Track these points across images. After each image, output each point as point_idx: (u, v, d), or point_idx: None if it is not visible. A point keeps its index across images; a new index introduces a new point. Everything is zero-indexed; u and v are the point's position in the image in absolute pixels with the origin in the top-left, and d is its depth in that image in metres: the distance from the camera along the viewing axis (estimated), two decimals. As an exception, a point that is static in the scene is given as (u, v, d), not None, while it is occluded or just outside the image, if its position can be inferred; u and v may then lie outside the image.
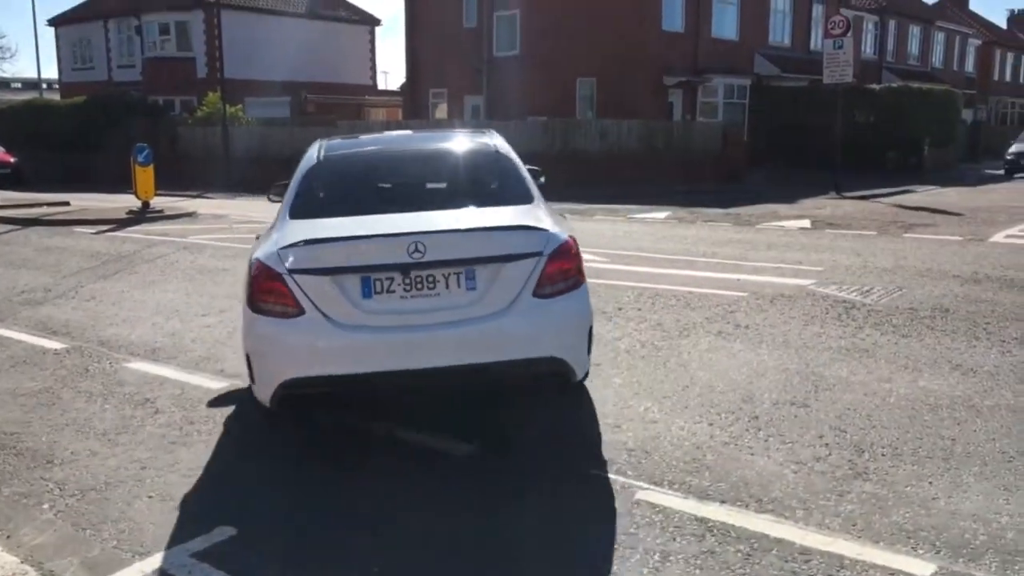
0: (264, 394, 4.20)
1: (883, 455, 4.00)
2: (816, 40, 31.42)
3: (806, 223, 13.56)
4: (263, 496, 3.84)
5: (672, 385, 5.12)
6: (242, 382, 5.35)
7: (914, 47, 43.40)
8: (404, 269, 4.08)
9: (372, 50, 41.91)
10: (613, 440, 4.27)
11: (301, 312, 4.07)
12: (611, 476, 3.86)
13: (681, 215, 15.03)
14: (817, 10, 32.90)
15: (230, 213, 16.86)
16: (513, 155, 5.27)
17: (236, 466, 4.22)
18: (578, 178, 20.69)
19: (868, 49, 39.06)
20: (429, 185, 5.24)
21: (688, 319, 6.77)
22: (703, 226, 13.38)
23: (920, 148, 27.50)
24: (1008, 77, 58.95)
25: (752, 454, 4.07)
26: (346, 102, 37.16)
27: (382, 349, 4.08)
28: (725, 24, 28.71)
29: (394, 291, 4.11)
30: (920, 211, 15.51)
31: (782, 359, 5.60)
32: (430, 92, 32.11)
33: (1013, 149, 28.04)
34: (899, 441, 4.16)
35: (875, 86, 29.89)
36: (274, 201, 5.50)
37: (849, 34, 20.13)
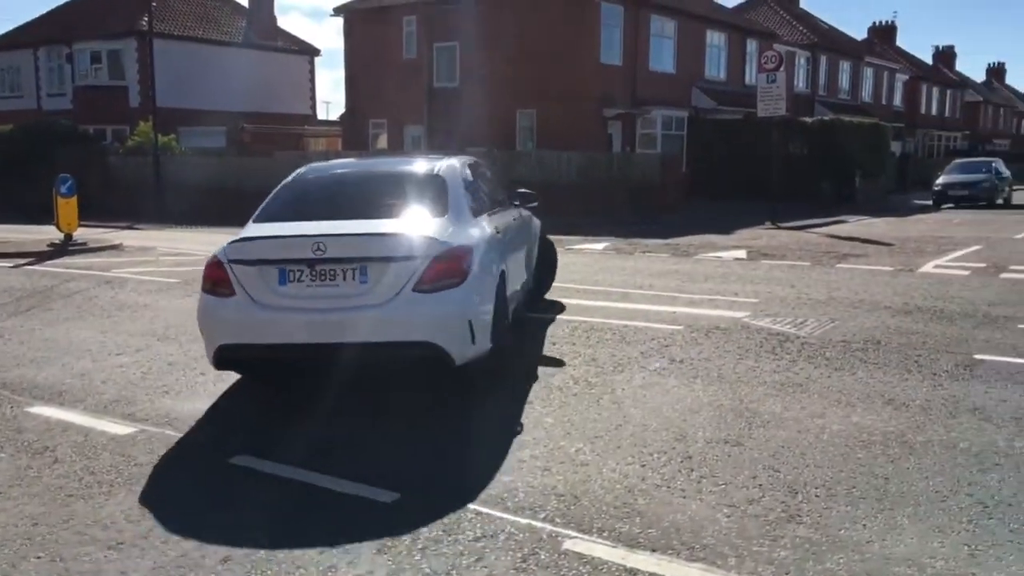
0: (209, 356, 5.41)
1: (817, 496, 3.89)
2: (750, 74, 32.14)
3: (742, 254, 13.66)
4: (163, 555, 3.56)
5: (605, 424, 4.97)
6: (153, 426, 5.05)
7: (845, 81, 44.71)
8: (310, 263, 5.18)
9: (311, 80, 41.58)
10: (543, 484, 4.09)
11: (233, 293, 5.28)
12: (538, 524, 3.67)
13: (620, 246, 15.03)
14: (751, 45, 33.69)
15: (158, 246, 16.36)
16: (452, 178, 6.27)
17: (137, 521, 3.92)
18: (518, 209, 20.65)
19: (801, 83, 40.09)
20: (368, 199, 6.12)
21: (623, 354, 6.65)
22: (641, 257, 13.37)
23: (852, 179, 28.18)
24: (934, 111, 61.14)
25: (684, 497, 3.92)
26: (285, 132, 36.69)
27: (290, 326, 5.23)
28: (662, 58, 29.18)
29: (303, 280, 5.22)
30: (852, 241, 15.78)
31: (716, 395, 5.50)
32: (370, 122, 31.92)
33: (941, 180, 28.86)
34: (833, 481, 4.06)
35: (808, 119, 30.63)
36: None
37: (782, 69, 20.56)
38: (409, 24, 29.86)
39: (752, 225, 19.29)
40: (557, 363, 6.38)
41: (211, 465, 4.46)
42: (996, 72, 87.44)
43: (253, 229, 5.64)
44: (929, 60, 68.13)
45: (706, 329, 7.51)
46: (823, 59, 41.62)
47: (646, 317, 8.16)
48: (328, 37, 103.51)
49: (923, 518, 3.64)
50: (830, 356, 6.47)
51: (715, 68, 32.12)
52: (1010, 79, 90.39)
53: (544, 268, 9.02)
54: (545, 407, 5.32)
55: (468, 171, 6.84)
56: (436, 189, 6.11)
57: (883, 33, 59.72)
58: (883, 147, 31.63)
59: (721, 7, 34.76)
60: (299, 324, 5.23)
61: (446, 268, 5.26)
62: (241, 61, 36.07)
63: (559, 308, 8.63)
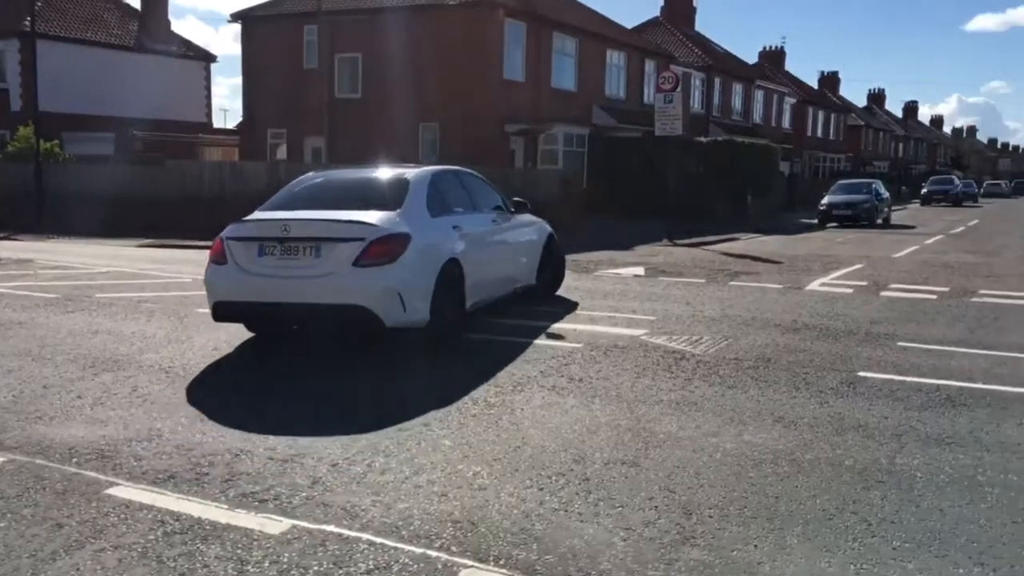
0: (210, 310, 7.32)
1: (711, 517, 3.94)
2: (649, 94, 32.99)
3: (641, 271, 13.92)
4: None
5: (503, 446, 4.92)
6: (23, 455, 4.73)
7: (738, 103, 46.39)
8: (280, 241, 6.97)
9: (207, 87, 40.45)
10: (439, 511, 4.01)
11: (226, 262, 7.14)
12: (433, 553, 3.58)
13: (521, 262, 15.07)
14: (649, 66, 34.58)
15: (37, 258, 15.52)
16: (418, 183, 7.94)
17: None
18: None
19: (696, 104, 41.36)
20: (342, 196, 7.90)
21: (523, 373, 6.64)
22: (542, 273, 13.43)
23: (744, 197, 29.19)
24: (820, 133, 64.07)
25: (582, 521, 3.91)
26: (178, 140, 35.54)
27: (263, 287, 6.96)
28: (564, 75, 29.62)
29: (274, 254, 6.99)
30: (744, 259, 16.30)
31: (615, 414, 5.53)
32: (269, 132, 31.26)
33: (825, 200, 30.18)
34: (726, 501, 4.12)
35: (703, 138, 31.59)
36: None
37: (679, 89, 21.13)
38: (311, 33, 29.39)
39: (650, 242, 19.71)
40: (458, 382, 6.31)
41: (86, 497, 4.19)
42: (876, 98, 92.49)
43: (251, 216, 7.54)
44: (815, 85, 71.47)
45: (605, 347, 7.58)
46: (717, 81, 43.06)
47: (547, 335, 8.18)
48: (225, 43, 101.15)
49: (811, 537, 3.73)
50: (724, 374, 6.62)
51: (615, 87, 32.81)
52: (889, 105, 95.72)
53: (550, 270, 10.47)
54: (443, 428, 5.24)
55: (442, 179, 8.55)
56: (399, 190, 7.78)
57: (773, 58, 62.39)
58: (773, 167, 32.96)
59: (621, 27, 35.56)
60: (270, 287, 6.97)
61: (380, 249, 6.88)
62: (132, 66, 34.82)
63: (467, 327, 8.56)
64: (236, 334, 7.99)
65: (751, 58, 58.45)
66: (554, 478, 4.42)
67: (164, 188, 23.62)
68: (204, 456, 4.74)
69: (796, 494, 4.21)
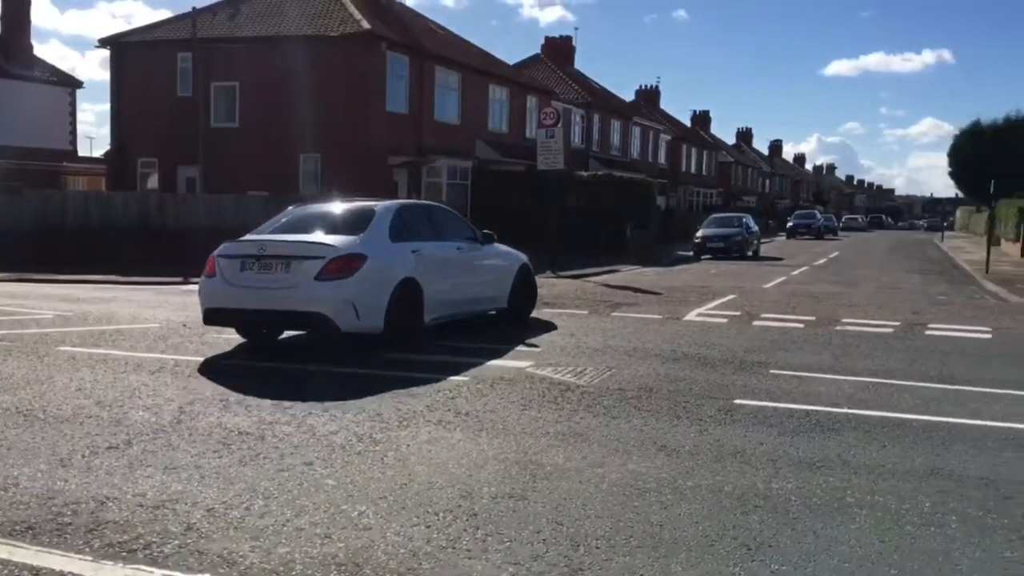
0: (203, 315, 8.86)
1: (598, 548, 3.96)
2: (531, 129, 33.58)
3: (524, 302, 14.01)
4: None
5: (389, 484, 4.82)
6: None
7: (616, 139, 47.83)
8: (257, 258, 8.45)
9: (72, 114, 38.62)
10: (322, 554, 3.87)
11: (215, 275, 8.60)
12: (317, 599, 3.45)
13: (405, 295, 14.95)
14: (531, 101, 35.24)
15: None
16: (383, 213, 9.39)
17: None
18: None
19: (577, 139, 42.38)
20: (318, 223, 9.37)
21: (409, 408, 6.55)
22: (427, 306, 13.35)
23: (624, 230, 29.99)
24: (693, 169, 66.73)
25: (470, 557, 3.85)
26: (41, 168, 33.69)
27: (244, 296, 8.41)
28: (447, 109, 29.81)
29: (253, 269, 8.45)
30: (625, 290, 16.70)
31: (502, 448, 5.52)
32: (140, 161, 30.05)
33: (700, 233, 31.37)
34: (612, 531, 4.15)
35: (584, 173, 32.38)
36: None
37: (560, 125, 21.62)
38: (184, 61, 28.56)
39: (535, 274, 19.90)
40: (342, 419, 6.16)
41: None
42: (745, 136, 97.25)
43: (241, 238, 9.17)
44: (688, 123, 74.52)
45: (491, 380, 7.57)
46: (596, 117, 44.31)
47: (433, 369, 8.11)
48: (92, 68, 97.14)
49: (695, 564, 3.79)
50: (608, 404, 6.72)
51: (498, 121, 33.25)
52: (756, 143, 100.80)
53: (521, 294, 11.63)
54: (326, 468, 5.09)
55: (409, 211, 10.14)
56: (365, 219, 9.23)
57: (648, 96, 64.76)
58: (651, 201, 34.05)
59: (503, 63, 36.16)
60: (249, 296, 8.47)
61: (337, 266, 8.33)
62: (-11, 90, 32.85)
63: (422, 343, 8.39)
64: (102, 373, 7.58)
65: (628, 96, 60.53)
66: (441, 515, 4.35)
67: (23, 218, 22.30)
68: (66, 504, 4.43)
69: (679, 521, 4.29)
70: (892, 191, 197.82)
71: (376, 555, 3.87)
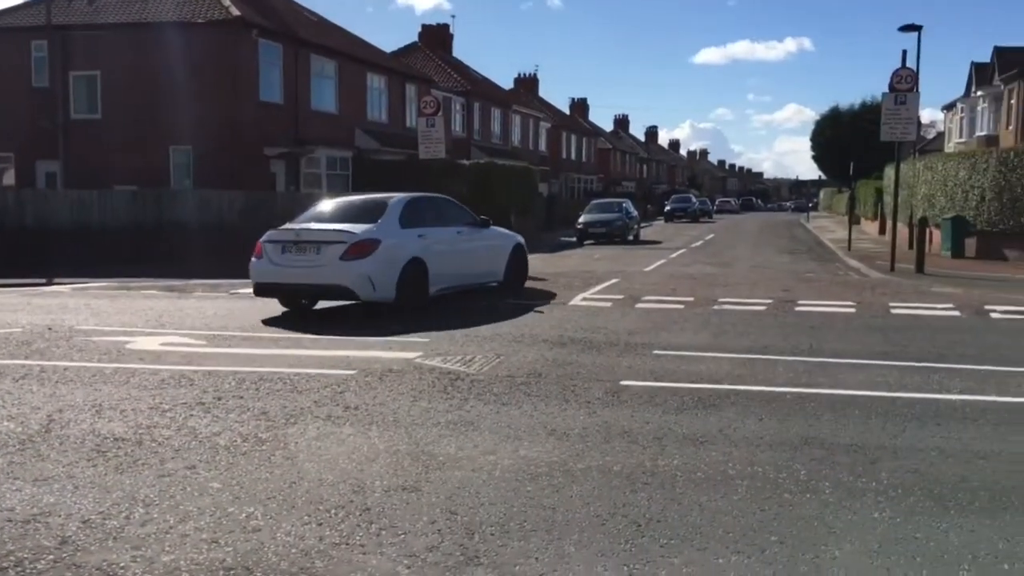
0: (253, 288, 11.14)
1: (492, 535, 3.98)
2: (411, 118, 33.30)
3: (411, 293, 13.91)
4: None
5: (278, 483, 4.70)
6: None
7: (497, 127, 48.00)
8: (295, 243, 10.67)
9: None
10: (209, 560, 3.74)
11: (263, 257, 10.83)
12: (206, 607, 3.33)
13: (288, 289, 14.59)
14: (410, 90, 34.92)
15: None
16: (394, 205, 11.55)
17: None
18: (176, 252, 19.37)
19: (458, 127, 42.30)
20: (343, 214, 11.62)
21: (296, 404, 6.40)
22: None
23: (508, 218, 30.13)
24: (573, 156, 67.74)
25: (364, 553, 3.80)
26: None
27: (284, 273, 10.61)
28: (324, 98, 29.18)
29: (291, 252, 10.65)
30: (511, 277, 16.78)
31: (393, 440, 5.47)
32: (-8, 156, 28.11)
33: (582, 219, 31.91)
34: (506, 517, 4.18)
35: (465, 161, 32.35)
36: None
37: (440, 114, 21.53)
38: (39, 49, 26.88)
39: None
40: (225, 419, 5.96)
41: None
42: (621, 123, 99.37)
43: (286, 224, 11.60)
44: (567, 110, 75.54)
45: (380, 372, 7.49)
46: (476, 106, 44.33)
47: (319, 363, 7.97)
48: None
49: (588, 544, 3.87)
50: (498, 392, 6.76)
51: (377, 110, 32.81)
52: (633, 129, 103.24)
53: (514, 269, 13.94)
54: (211, 470, 4.92)
55: (416, 202, 12.16)
56: (379, 210, 11.42)
57: (527, 84, 65.29)
58: (533, 188, 34.39)
59: (380, 51, 35.66)
60: (289, 272, 10.70)
61: (357, 249, 10.47)
62: None
63: (224, 359, 8.12)
64: (-40, 384, 7.08)
65: (507, 84, 60.84)
66: (333, 511, 4.28)
67: None
68: (-77, 527, 4.12)
69: (571, 503, 4.36)
70: (761, 174, 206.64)
71: (267, 556, 3.77)
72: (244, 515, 4.25)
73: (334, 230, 10.90)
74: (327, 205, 12.42)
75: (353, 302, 11.21)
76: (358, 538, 3.96)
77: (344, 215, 11.61)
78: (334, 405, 6.38)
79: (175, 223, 20.89)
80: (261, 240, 11.16)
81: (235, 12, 25.18)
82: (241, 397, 6.65)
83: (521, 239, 14.35)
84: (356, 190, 29.02)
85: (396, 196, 12.10)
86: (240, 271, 17.48)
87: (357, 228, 10.86)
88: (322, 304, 11.88)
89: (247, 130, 25.33)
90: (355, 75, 31.05)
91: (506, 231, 14.46)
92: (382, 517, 4.20)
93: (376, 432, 5.66)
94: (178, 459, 5.12)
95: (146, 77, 25.34)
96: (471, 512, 4.26)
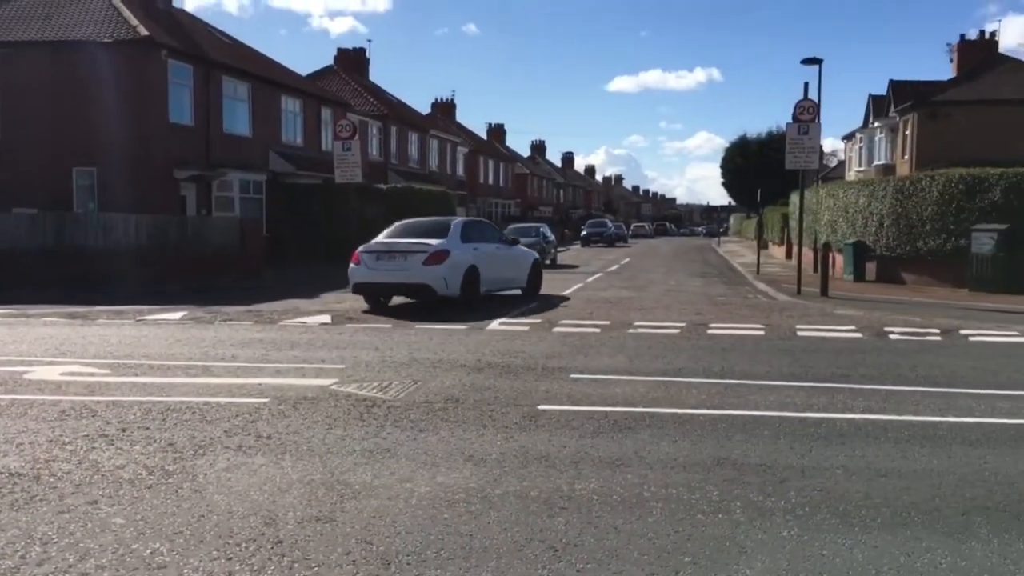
0: (352, 288, 14.97)
1: (409, 564, 3.92)
2: (327, 141, 32.97)
3: (327, 318, 13.74)
4: None
5: (185, 517, 4.54)
6: None
7: (414, 151, 47.93)
8: (387, 253, 14.63)
9: None
10: (111, 600, 3.58)
11: (360, 264, 14.78)
12: (107, 650, 3.18)
13: (198, 315, 14.21)
14: (326, 113, 34.60)
15: None
16: (456, 226, 15.54)
17: None
18: (80, 278, 18.65)
19: (375, 151, 42.07)
20: (419, 231, 15.38)
21: (205, 435, 6.21)
22: (223, 326, 12.77)
23: (425, 243, 30.12)
24: (491, 180, 68.13)
25: (277, 587, 3.70)
26: None
27: (379, 275, 14.56)
28: (237, 120, 28.65)
29: (383, 259, 14.56)
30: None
31: (307, 470, 5.35)
32: None
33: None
34: (423, 545, 4.13)
35: (383, 185, 32.20)
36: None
37: (356, 138, 21.37)
38: (-69, 65, 25.60)
39: (336, 289, 19.55)
40: (130, 451, 5.73)
41: None
42: (539, 148, 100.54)
43: (373, 241, 15.15)
44: (484, 135, 76.04)
45: (294, 400, 7.34)
46: (393, 130, 44.21)
47: (230, 391, 7.76)
48: None
49: (504, 570, 3.85)
50: (415, 418, 6.70)
51: (292, 133, 32.37)
52: (549, 155, 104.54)
53: (533, 278, 17.87)
54: (113, 505, 4.72)
55: (469, 224, 16.28)
56: (446, 229, 15.17)
57: (444, 109, 65.51)
58: (451, 213, 34.38)
59: (295, 74, 35.26)
60: (382, 275, 14.34)
61: (434, 257, 14.10)
62: None
63: (129, 388, 7.82)
64: None
65: (424, 109, 60.86)
66: (244, 545, 4.15)
67: None
68: None
69: (488, 529, 4.34)
70: (674, 200, 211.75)
71: (173, 595, 3.63)
72: (149, 551, 4.09)
73: (417, 243, 14.64)
74: (403, 226, 16.15)
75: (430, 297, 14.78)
76: (270, 571, 3.85)
77: (419, 232, 15.36)
78: (245, 435, 6.21)
79: (78, 247, 20.07)
80: (359, 251, 14.96)
81: (143, 32, 24.55)
82: (147, 428, 6.41)
83: (537, 255, 18.51)
84: (271, 214, 28.57)
85: (456, 219, 16.59)
86: (147, 297, 16.96)
87: (433, 242, 14.63)
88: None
89: (155, 152, 24.65)
90: (269, 98, 30.60)
91: (526, 249, 18.52)
92: (295, 549, 4.10)
93: (289, 461, 5.54)
94: (79, 494, 4.89)
95: (50, 97, 24.44)
96: (387, 541, 4.19)
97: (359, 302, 16.88)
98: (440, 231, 15.19)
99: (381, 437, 6.13)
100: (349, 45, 53.52)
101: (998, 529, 4.37)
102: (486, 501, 4.76)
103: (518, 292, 17.40)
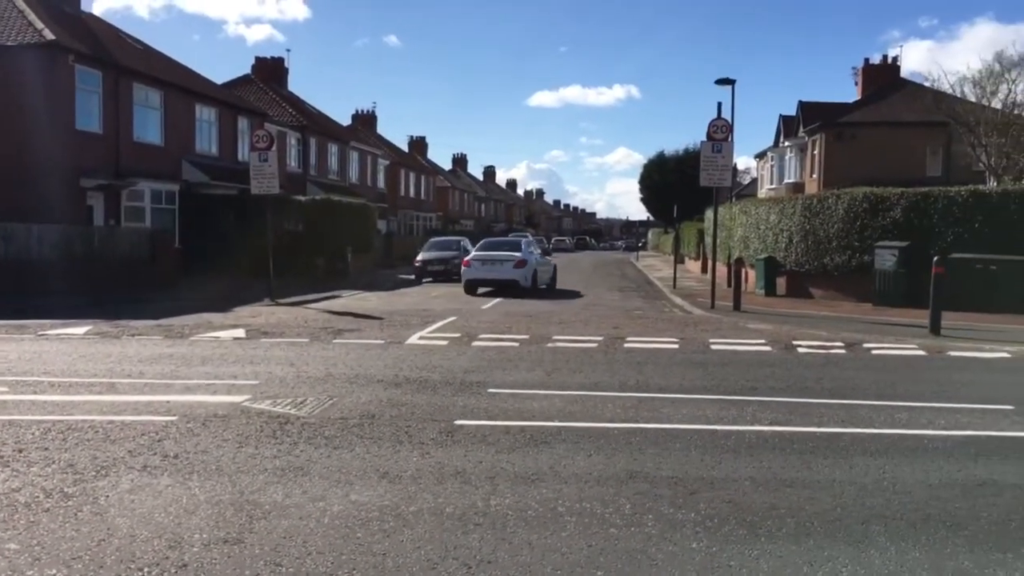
0: (464, 285, 24.12)
1: (320, 585, 3.86)
2: (243, 151, 32.32)
3: (241, 333, 13.43)
4: None
5: (85, 541, 4.37)
6: None
7: (334, 163, 47.32)
8: (488, 260, 24.00)
9: None
10: (1, 632, 3.41)
11: (469, 266, 24.06)
12: None
13: (104, 329, 13.71)
14: (242, 123, 33.89)
15: None
16: (525, 240, 26.82)
17: None
18: (-25, 290, 17.80)
19: (293, 162, 41.41)
20: (503, 246, 25.59)
21: (108, 455, 5.98)
22: (130, 341, 12.35)
23: (345, 255, 29.76)
24: (412, 193, 67.79)
25: (180, 613, 3.58)
26: None
27: (483, 274, 23.79)
28: (148, 128, 27.81)
29: (487, 264, 23.87)
30: (347, 316, 16.55)
31: (215, 490, 5.21)
32: None
33: (421, 257, 31.89)
34: (335, 566, 4.07)
35: (302, 197, 31.69)
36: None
37: (274, 148, 20.99)
38: None
39: (251, 302, 19.16)
40: (25, 473, 5.48)
41: None
42: (460, 162, 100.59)
43: (473, 252, 25.27)
44: (406, 148, 75.72)
45: (203, 418, 7.14)
46: (313, 141, 43.59)
47: (136, 409, 7.50)
48: None
49: (418, 589, 3.82)
50: (329, 435, 6.60)
51: (206, 142, 31.58)
52: (471, 168, 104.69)
53: (554, 280, 26.79)
54: (8, 530, 4.51)
55: (528, 240, 27.18)
56: (518, 245, 25.23)
57: (365, 120, 64.98)
58: (371, 225, 34.11)
59: (210, 82, 34.46)
60: (486, 274, 23.63)
61: (518, 262, 23.53)
62: None
63: (28, 407, 7.49)
64: None
65: (345, 120, 60.24)
66: (146, 569, 4.02)
67: None
68: None
69: (402, 548, 4.30)
70: (594, 214, 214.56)
71: (69, 625, 3.48)
72: (44, 579, 3.91)
73: (507, 255, 23.69)
74: (489, 242, 26.13)
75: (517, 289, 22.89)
76: (173, 597, 3.73)
77: (503, 247, 24.84)
78: (151, 454, 6.01)
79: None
80: (467, 258, 24.22)
81: (49, 36, 23.64)
82: (46, 449, 6.15)
83: (555, 263, 28.69)
84: (184, 225, 27.81)
85: (523, 238, 28.15)
86: (51, 311, 16.27)
87: (515, 253, 23.74)
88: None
89: (61, 160, 23.71)
90: (183, 106, 29.80)
91: (550, 259, 28.64)
92: (200, 573, 3.99)
93: (197, 482, 5.38)
94: (-32, 520, 4.66)
95: (-56, 99, 23.29)
96: (297, 563, 4.11)
97: (277, 315, 16.59)
98: (516, 246, 24.76)
99: (294, 455, 6.02)
100: (266, 53, 52.70)
101: (895, 537, 4.54)
102: (400, 519, 4.72)
103: (544, 287, 25.27)
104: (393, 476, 5.52)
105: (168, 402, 7.82)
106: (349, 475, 5.54)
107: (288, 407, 7.59)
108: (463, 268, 23.86)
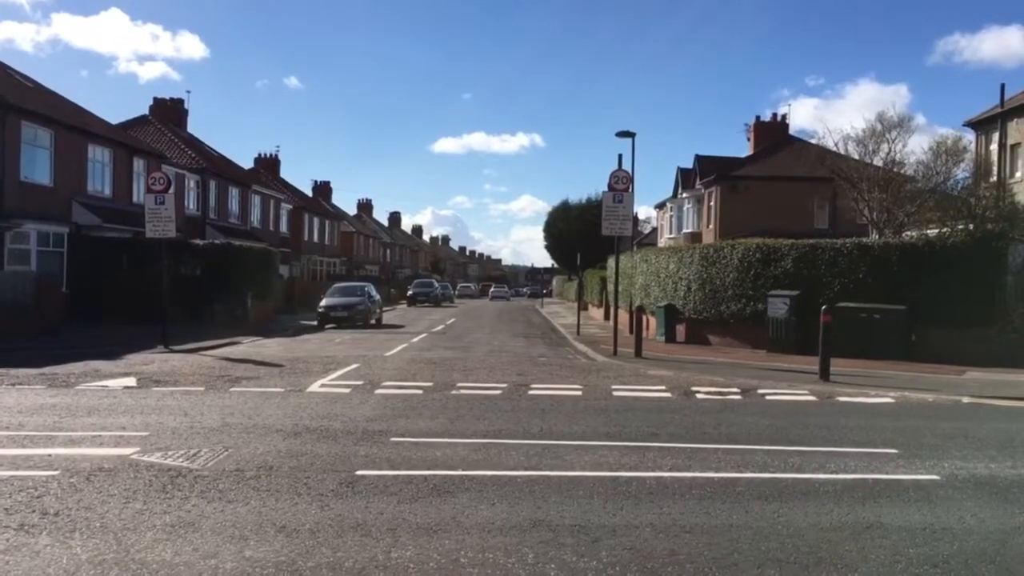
0: (319, 316, 30.99)
1: (210, 648, 3.68)
2: (139, 193, 31.34)
3: (132, 381, 12.89)
4: None
5: (-49, 610, 4.06)
6: None
7: (235, 206, 46.36)
8: (339, 304, 32.01)
9: None
10: None
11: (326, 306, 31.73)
12: None
13: (-18, 379, 12.92)
14: (139, 164, 32.94)
15: None
16: (368, 285, 35.63)
17: None
18: None
19: (192, 205, 40.38)
20: (351, 289, 34.23)
21: (-20, 513, 5.60)
22: (10, 390, 11.67)
23: (245, 301, 28.99)
24: (316, 238, 66.88)
25: None
26: None
27: (334, 311, 31.14)
28: (36, 168, 26.70)
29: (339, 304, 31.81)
30: (246, 363, 16.09)
31: (98, 549, 4.94)
32: None
33: (324, 303, 31.40)
34: (226, 627, 3.90)
35: (200, 241, 30.84)
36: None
37: (171, 191, 20.44)
38: None
39: (144, 349, 18.43)
40: None
41: None
42: (365, 207, 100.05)
43: (327, 298, 32.30)
44: (310, 192, 74.85)
45: (88, 472, 6.79)
46: (213, 184, 42.65)
47: (14, 464, 7.07)
48: None
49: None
50: (224, 488, 6.36)
51: (99, 183, 30.51)
52: (376, 214, 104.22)
53: (380, 317, 35.08)
54: None
55: (372, 286, 36.71)
56: (362, 289, 34.37)
57: (268, 164, 64.00)
58: (272, 270, 33.41)
59: (104, 122, 33.43)
60: (337, 311, 30.98)
61: (359, 303, 32.25)
62: None
63: None
64: None
65: (247, 163, 59.20)
66: (20, 638, 3.76)
67: None
68: None
69: (299, 606, 4.15)
70: (500, 261, 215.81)
71: None
72: (-98, 652, 3.61)
73: (349, 300, 31.16)
74: (338, 288, 31.78)
75: None
76: (49, 667, 3.50)
77: (347, 292, 32.35)
78: (29, 511, 5.67)
79: None
80: (321, 304, 30.33)
81: (-69, 68, 22.56)
82: (-90, 508, 5.72)
83: (381, 303, 35.60)
84: (74, 269, 26.65)
85: (366, 284, 35.69)
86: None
87: (355, 299, 31.68)
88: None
89: (-60, 199, 22.48)
90: (74, 145, 28.75)
91: (379, 299, 34.93)
92: (80, 640, 3.75)
93: (79, 540, 5.09)
94: None
95: None
96: (186, 625, 3.92)
97: (171, 362, 16.00)
98: (359, 291, 31.69)
99: (185, 510, 5.77)
100: (161, 92, 51.50)
101: (789, 579, 4.65)
102: (297, 575, 4.56)
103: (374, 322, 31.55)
104: (290, 530, 5.35)
105: (50, 455, 7.41)
106: (244, 530, 5.34)
107: (180, 459, 7.29)
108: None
